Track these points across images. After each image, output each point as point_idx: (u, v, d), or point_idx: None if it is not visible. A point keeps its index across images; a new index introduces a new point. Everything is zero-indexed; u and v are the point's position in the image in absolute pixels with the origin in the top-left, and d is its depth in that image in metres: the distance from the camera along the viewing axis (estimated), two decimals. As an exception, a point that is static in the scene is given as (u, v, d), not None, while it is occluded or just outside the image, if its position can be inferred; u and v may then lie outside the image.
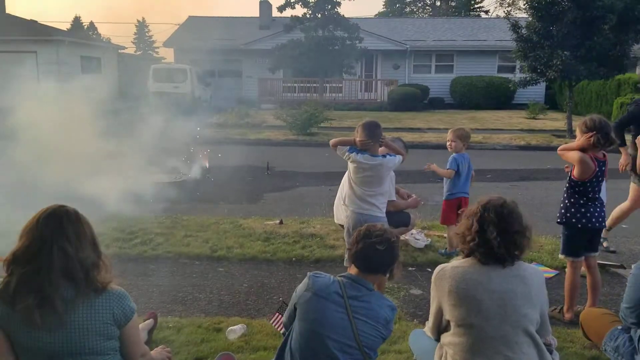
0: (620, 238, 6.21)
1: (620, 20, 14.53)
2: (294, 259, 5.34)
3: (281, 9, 24.91)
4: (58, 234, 2.24)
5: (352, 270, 2.70)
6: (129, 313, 2.34)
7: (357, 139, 4.09)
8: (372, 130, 4.08)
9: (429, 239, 5.80)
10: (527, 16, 16.25)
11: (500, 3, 50.22)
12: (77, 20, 64.61)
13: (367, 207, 4.13)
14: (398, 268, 2.74)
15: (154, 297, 4.42)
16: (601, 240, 5.24)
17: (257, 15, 32.51)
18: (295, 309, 2.67)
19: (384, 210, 4.25)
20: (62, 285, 2.22)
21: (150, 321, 3.56)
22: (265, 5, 32.00)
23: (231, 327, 3.67)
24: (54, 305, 2.18)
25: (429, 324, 2.77)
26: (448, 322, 2.62)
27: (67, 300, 2.22)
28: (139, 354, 2.46)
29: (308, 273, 2.72)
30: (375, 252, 2.61)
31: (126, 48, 38.41)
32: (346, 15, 24.82)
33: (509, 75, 23.54)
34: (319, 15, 24.22)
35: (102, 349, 2.28)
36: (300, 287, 2.68)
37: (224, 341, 3.53)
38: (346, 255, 3.21)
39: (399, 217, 5.43)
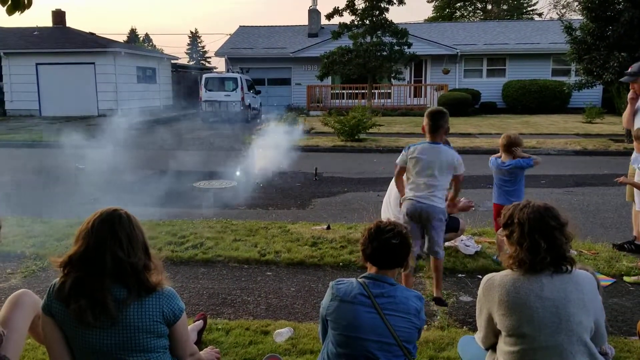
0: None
1: (681, 18, 13.91)
2: (341, 264, 5.33)
3: (329, 16, 25.01)
4: (111, 239, 2.30)
5: (371, 269, 2.69)
6: (177, 312, 2.39)
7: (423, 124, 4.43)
8: (435, 120, 4.39)
9: (480, 246, 5.68)
10: (581, 18, 15.77)
11: (554, 5, 48.94)
12: (133, 32, 66.98)
13: (426, 195, 4.28)
14: (412, 257, 2.73)
15: (203, 300, 4.50)
16: None
17: (306, 23, 32.82)
18: (326, 320, 2.67)
19: (443, 201, 4.38)
20: (114, 287, 2.30)
21: (199, 322, 3.63)
22: (314, 13, 32.27)
23: (278, 330, 3.70)
24: (106, 306, 2.26)
25: (480, 334, 2.70)
26: (499, 331, 2.56)
27: (119, 301, 2.29)
28: (187, 353, 2.51)
29: (330, 283, 2.72)
30: (392, 247, 2.60)
31: (179, 58, 39.46)
32: (395, 21, 24.70)
33: (564, 79, 22.86)
34: (367, 22, 24.18)
35: (152, 346, 2.34)
36: (326, 299, 2.69)
37: (271, 344, 3.55)
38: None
39: (450, 222, 5.35)
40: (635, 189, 5.43)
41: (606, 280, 4.90)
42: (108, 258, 2.27)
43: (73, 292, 2.28)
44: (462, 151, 9.12)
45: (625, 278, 4.92)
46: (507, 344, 2.50)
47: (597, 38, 14.63)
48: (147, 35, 69.62)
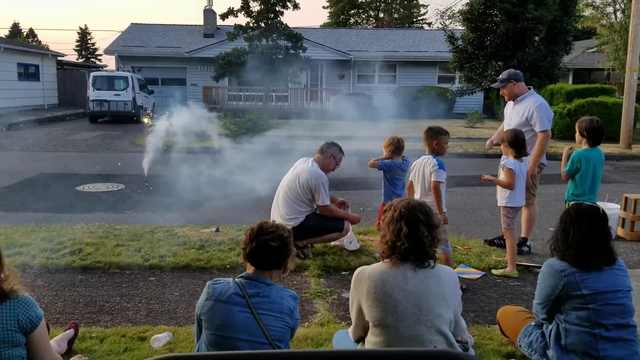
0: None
1: (549, 32, 15.22)
2: (228, 266, 5.31)
3: (223, 16, 24.74)
4: None
5: (249, 269, 2.73)
6: (35, 319, 2.29)
7: None
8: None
9: (359, 244, 5.87)
10: (463, 28, 16.82)
11: (440, 15, 51.63)
12: (15, 27, 62.29)
13: None
14: (292, 261, 2.79)
15: (79, 308, 4.30)
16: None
17: (202, 23, 32.26)
18: (200, 320, 2.67)
19: None
20: None
21: (70, 331, 3.46)
22: (209, 13, 31.79)
23: (156, 335, 3.62)
24: None
25: (351, 327, 2.83)
26: (368, 324, 2.69)
27: None
28: (48, 362, 2.40)
29: (207, 282, 2.72)
30: (270, 249, 2.65)
31: (66, 55, 37.27)
32: (291, 26, 24.92)
33: (449, 86, 24.20)
34: (262, 25, 24.21)
35: (7, 356, 2.22)
36: (201, 298, 2.69)
37: (147, 350, 3.47)
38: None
39: (335, 223, 5.53)
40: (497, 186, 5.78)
41: (476, 274, 5.27)
42: None
43: None
44: (355, 154, 9.43)
45: (493, 271, 5.31)
46: (373, 335, 2.63)
47: (476, 48, 15.67)
48: (31, 30, 64.97)
